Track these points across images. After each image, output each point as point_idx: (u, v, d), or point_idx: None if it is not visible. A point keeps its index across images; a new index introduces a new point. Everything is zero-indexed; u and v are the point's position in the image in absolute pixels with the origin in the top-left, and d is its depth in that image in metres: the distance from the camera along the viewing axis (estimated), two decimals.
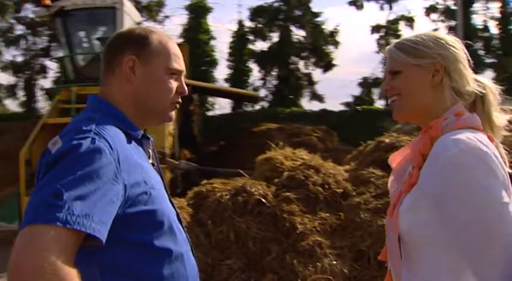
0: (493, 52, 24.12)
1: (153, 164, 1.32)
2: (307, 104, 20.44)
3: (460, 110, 1.28)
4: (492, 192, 1.12)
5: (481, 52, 24.02)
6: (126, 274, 1.11)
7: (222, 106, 19.06)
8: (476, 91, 1.32)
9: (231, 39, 19.97)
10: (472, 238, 1.12)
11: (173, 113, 1.35)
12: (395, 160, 1.41)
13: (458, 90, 1.31)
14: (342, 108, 20.30)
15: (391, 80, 1.35)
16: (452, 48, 1.32)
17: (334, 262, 3.22)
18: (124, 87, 1.27)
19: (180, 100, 1.35)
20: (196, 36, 17.73)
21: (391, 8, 23.98)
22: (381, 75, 25.52)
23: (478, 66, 22.80)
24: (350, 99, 21.37)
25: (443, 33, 1.41)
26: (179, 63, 1.33)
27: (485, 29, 24.39)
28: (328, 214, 3.79)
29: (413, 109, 1.33)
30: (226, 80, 19.46)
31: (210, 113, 18.33)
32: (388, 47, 1.41)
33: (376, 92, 25.66)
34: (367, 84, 24.20)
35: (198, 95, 13.23)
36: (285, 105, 18.51)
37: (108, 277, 1.10)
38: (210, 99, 18.43)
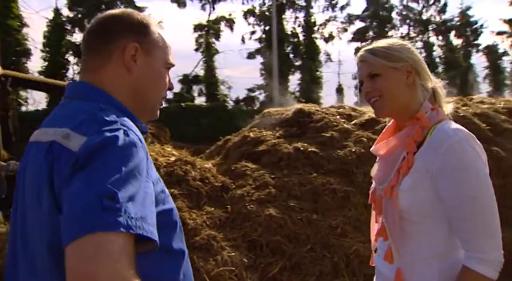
0: (300, 56, 27.05)
1: None
2: None
3: (433, 105, 1.51)
4: (482, 175, 1.35)
5: (291, 56, 26.65)
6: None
7: (37, 101, 17.20)
8: (436, 86, 1.58)
9: (46, 29, 18.06)
10: (465, 211, 1.34)
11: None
12: (383, 148, 1.56)
13: (424, 87, 1.53)
14: (164, 105, 20.36)
15: (371, 83, 1.51)
16: (416, 52, 1.56)
17: (233, 254, 3.30)
18: (122, 77, 1.14)
19: (167, 95, 1.30)
20: (5, 21, 15.53)
21: (213, 8, 24.96)
22: (201, 72, 26.39)
23: (288, 68, 25.40)
24: (170, 96, 21.55)
25: (402, 41, 1.61)
26: (173, 57, 1.27)
27: (294, 35, 27.22)
28: (213, 208, 3.84)
29: (394, 106, 1.51)
30: (41, 72, 17.59)
31: (23, 109, 16.38)
32: (360, 54, 1.56)
33: (196, 89, 26.43)
34: (187, 81, 24.74)
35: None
36: None
37: None
38: (23, 93, 16.44)
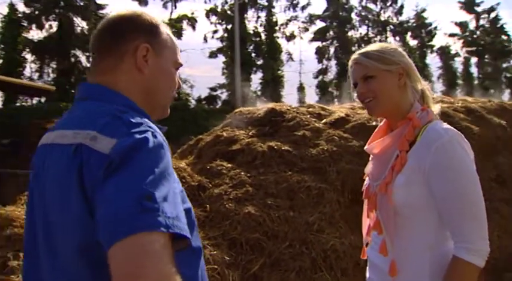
0: (262, 55, 27.19)
1: None
2: None
3: (423, 106, 1.60)
4: (469, 171, 1.45)
5: (253, 55, 26.69)
6: None
7: None
8: (424, 88, 1.68)
9: (0, 25, 17.31)
10: (455, 206, 1.44)
11: None
12: (377, 147, 1.64)
13: (414, 89, 1.62)
14: None
15: (365, 84, 1.60)
16: (406, 56, 1.65)
17: (214, 252, 3.33)
18: (134, 77, 1.15)
19: (176, 95, 1.32)
20: None
21: (175, 7, 24.69)
22: None
23: (250, 67, 25.42)
24: None
25: (393, 45, 1.70)
26: (181, 57, 1.29)
27: (256, 34, 27.32)
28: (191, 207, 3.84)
29: (387, 107, 1.60)
30: None
31: None
32: (354, 57, 1.64)
33: None
34: None
35: None
36: (68, 101, 17.17)
37: None
38: None
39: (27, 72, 17.70)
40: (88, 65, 19.47)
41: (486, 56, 33.37)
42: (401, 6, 32.28)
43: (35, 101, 17.14)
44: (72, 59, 18.77)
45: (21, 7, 17.69)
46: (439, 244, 1.52)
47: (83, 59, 19.41)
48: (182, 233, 0.90)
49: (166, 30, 1.24)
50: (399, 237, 1.53)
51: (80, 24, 18.81)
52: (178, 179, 1.09)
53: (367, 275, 1.73)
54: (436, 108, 1.67)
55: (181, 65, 1.28)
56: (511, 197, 4.88)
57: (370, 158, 1.74)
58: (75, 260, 0.98)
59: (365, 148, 1.73)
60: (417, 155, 1.49)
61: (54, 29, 18.08)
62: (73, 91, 18.86)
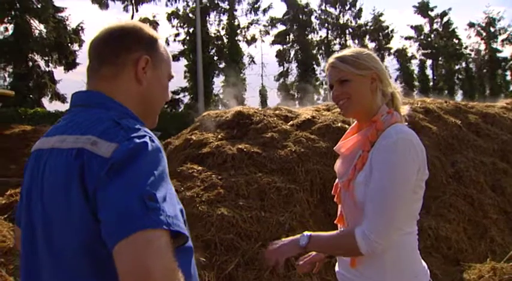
0: (224, 58, 27.23)
1: None
2: (49, 105, 18.85)
3: (389, 109, 1.70)
4: (402, 172, 1.51)
5: (215, 58, 26.67)
6: None
7: None
8: (394, 91, 1.80)
9: None
10: (374, 196, 1.52)
11: None
12: (344, 146, 1.74)
13: (385, 92, 1.72)
14: None
15: (340, 87, 1.70)
16: (379, 61, 1.75)
17: None
18: (133, 87, 1.21)
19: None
20: None
21: (137, 10, 24.34)
22: None
23: (212, 71, 25.32)
24: None
25: (368, 50, 1.79)
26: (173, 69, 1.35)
27: (218, 37, 27.34)
28: None
29: (359, 109, 1.69)
30: None
31: None
32: (331, 60, 1.73)
33: None
34: None
35: None
36: (27, 106, 16.62)
37: None
38: None
39: None
40: (47, 69, 18.89)
41: (440, 59, 34.82)
42: (360, 10, 33.25)
43: None
44: (30, 63, 18.17)
45: None
46: (398, 238, 1.58)
47: (41, 63, 18.84)
48: (182, 231, 0.97)
49: (163, 45, 1.30)
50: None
51: (38, 27, 18.25)
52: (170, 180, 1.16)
53: (336, 268, 1.82)
54: (404, 109, 1.78)
55: (173, 77, 1.34)
56: (466, 193, 5.15)
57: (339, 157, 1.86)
58: (77, 259, 1.02)
59: (334, 147, 1.84)
60: (373, 154, 1.59)
61: (10, 31, 17.44)
62: (31, 96, 18.27)
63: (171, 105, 26.80)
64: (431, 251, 4.35)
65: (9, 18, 17.34)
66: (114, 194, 0.95)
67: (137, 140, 1.02)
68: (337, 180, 1.82)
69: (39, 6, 17.84)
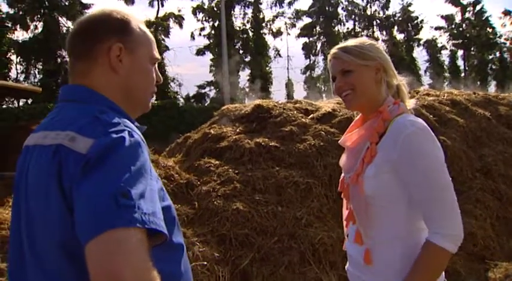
0: (250, 51, 27.15)
1: None
2: None
3: (395, 100, 1.64)
4: (437, 159, 1.48)
5: (241, 52, 26.63)
6: None
7: None
8: (399, 83, 1.72)
9: None
10: (427, 193, 1.46)
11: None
12: (349, 139, 1.67)
13: (390, 84, 1.66)
14: None
15: (343, 78, 1.63)
16: (384, 52, 1.68)
17: (203, 249, 3.35)
18: (110, 78, 1.16)
19: (156, 89, 1.31)
20: None
21: (162, 5, 24.54)
22: None
23: (238, 64, 25.33)
24: None
25: (372, 40, 1.72)
26: (157, 51, 1.28)
27: (243, 31, 27.30)
28: (180, 205, 3.86)
29: (363, 101, 1.63)
30: None
31: None
32: (333, 51, 1.67)
33: None
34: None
35: None
36: (55, 102, 16.95)
37: None
38: None
39: (13, 73, 17.45)
40: None
41: (472, 49, 33.69)
42: (388, 1, 32.44)
43: (21, 102, 16.96)
44: (59, 60, 18.56)
45: (4, 8, 17.43)
46: (411, 235, 1.54)
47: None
48: (158, 229, 0.92)
49: (139, 26, 1.22)
50: (372, 226, 1.56)
51: (66, 24, 18.61)
52: (158, 176, 1.11)
53: (347, 267, 1.75)
54: (410, 103, 1.71)
55: (158, 59, 1.27)
56: (495, 188, 4.96)
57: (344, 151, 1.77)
58: (57, 258, 0.99)
59: (339, 140, 1.78)
60: (385, 146, 1.52)
61: (40, 29, 17.80)
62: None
63: (197, 99, 26.94)
64: None
65: (39, 16, 17.72)
66: (86, 192, 0.92)
67: (114, 135, 0.98)
68: (342, 175, 1.76)
69: (66, 3, 18.18)
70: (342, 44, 1.68)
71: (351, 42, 1.68)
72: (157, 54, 1.26)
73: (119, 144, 0.97)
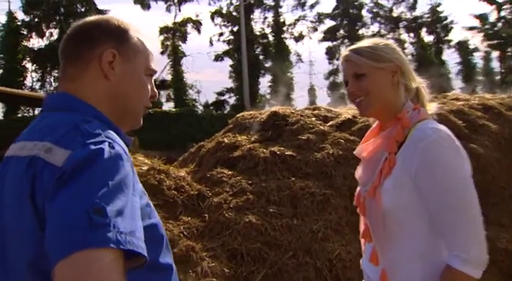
0: (270, 57, 26.96)
1: None
2: None
3: (414, 105, 1.51)
4: (459, 170, 1.36)
5: (261, 57, 26.43)
6: None
7: None
8: (419, 86, 1.54)
9: None
10: (446, 208, 1.34)
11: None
12: (365, 150, 1.55)
13: (408, 87, 1.54)
14: None
15: (356, 82, 1.51)
16: (400, 52, 1.57)
17: (213, 264, 3.19)
18: (99, 85, 1.11)
19: (150, 104, 1.25)
20: None
21: (179, 10, 24.58)
22: (168, 77, 26.02)
23: (258, 70, 25.17)
24: None
25: (386, 40, 1.61)
26: (155, 63, 1.23)
27: (263, 35, 27.13)
28: (190, 218, 3.71)
29: (379, 106, 1.51)
30: None
31: None
32: (345, 53, 1.56)
33: (163, 94, 26.05)
34: (155, 86, 24.41)
35: None
36: None
37: None
38: None
39: (28, 82, 17.60)
40: None
41: (509, 50, 32.24)
42: (415, 1, 31.56)
43: (37, 111, 17.18)
44: None
45: (20, 15, 17.56)
46: (432, 253, 1.42)
47: None
48: (137, 251, 0.84)
49: (137, 35, 1.19)
50: (389, 245, 1.46)
51: None
52: (143, 191, 1.06)
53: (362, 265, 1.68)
54: (431, 107, 1.59)
55: (154, 71, 1.23)
56: None
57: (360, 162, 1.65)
58: (26, 278, 0.94)
59: (354, 151, 1.65)
60: (405, 156, 1.41)
61: (55, 36, 17.92)
62: None
63: (216, 107, 26.88)
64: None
65: (54, 23, 17.81)
66: (58, 207, 0.85)
67: (92, 147, 0.92)
68: (358, 188, 1.64)
69: (82, 10, 18.24)
70: (354, 46, 1.57)
71: (364, 42, 1.57)
72: (154, 67, 1.22)
73: (97, 156, 0.90)
